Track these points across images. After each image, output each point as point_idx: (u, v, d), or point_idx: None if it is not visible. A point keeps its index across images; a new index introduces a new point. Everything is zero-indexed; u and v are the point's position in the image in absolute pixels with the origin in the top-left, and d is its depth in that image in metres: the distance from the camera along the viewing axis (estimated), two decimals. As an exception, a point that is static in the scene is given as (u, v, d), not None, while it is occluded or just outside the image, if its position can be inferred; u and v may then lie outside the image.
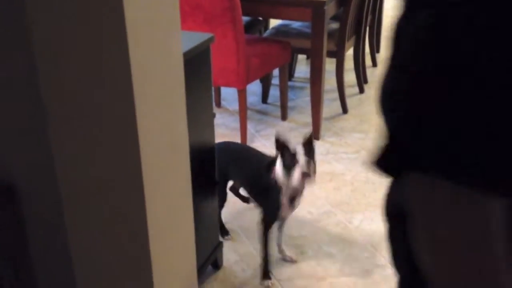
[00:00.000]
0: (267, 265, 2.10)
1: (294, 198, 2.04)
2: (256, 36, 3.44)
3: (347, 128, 3.24)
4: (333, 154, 2.97)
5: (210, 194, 2.03)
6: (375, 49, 4.11)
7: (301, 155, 1.92)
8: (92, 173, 1.23)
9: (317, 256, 2.24)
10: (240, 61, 2.80)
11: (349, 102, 3.48)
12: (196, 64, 1.73)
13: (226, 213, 2.43)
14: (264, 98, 3.60)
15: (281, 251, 2.24)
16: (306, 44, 3.25)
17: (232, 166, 2.18)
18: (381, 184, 2.65)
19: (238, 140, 3.01)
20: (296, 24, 3.51)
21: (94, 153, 1.20)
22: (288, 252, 2.24)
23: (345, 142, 3.09)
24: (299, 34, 3.38)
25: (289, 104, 3.46)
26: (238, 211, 2.51)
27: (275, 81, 3.64)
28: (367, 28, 3.80)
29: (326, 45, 2.97)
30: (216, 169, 2.06)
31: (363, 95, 3.67)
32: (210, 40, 1.79)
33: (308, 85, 3.84)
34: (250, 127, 3.12)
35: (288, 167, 1.93)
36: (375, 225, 2.40)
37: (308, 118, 3.31)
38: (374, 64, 4.11)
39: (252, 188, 2.20)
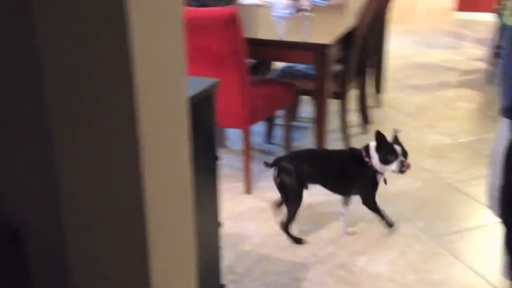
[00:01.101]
0: (384, 216, 2.64)
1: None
2: (261, 78, 3.49)
3: (351, 169, 3.25)
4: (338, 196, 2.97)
5: (212, 238, 2.04)
6: (379, 90, 4.16)
7: (399, 148, 2.48)
8: (97, 218, 1.24)
9: (321, 299, 2.23)
10: (245, 103, 2.84)
11: (352, 142, 3.50)
12: (201, 109, 1.76)
13: (231, 255, 2.43)
14: (268, 138, 3.63)
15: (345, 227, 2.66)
16: (311, 85, 3.29)
17: (313, 169, 2.58)
18: (387, 227, 2.66)
19: (241, 181, 3.02)
20: (300, 66, 3.57)
21: (100, 199, 1.22)
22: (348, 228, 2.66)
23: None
24: (303, 75, 3.43)
25: (294, 144, 3.48)
26: (243, 252, 2.51)
27: (279, 120, 3.68)
28: (370, 70, 3.85)
29: (329, 87, 3.01)
30: (219, 211, 2.07)
31: (366, 136, 3.69)
32: (215, 85, 1.83)
33: (311, 126, 3.88)
34: (254, 167, 3.13)
35: (387, 158, 2.47)
36: (380, 267, 2.38)
37: (312, 158, 3.33)
38: (378, 104, 4.15)
39: (342, 180, 2.60)
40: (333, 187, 2.61)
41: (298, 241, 2.58)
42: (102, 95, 1.14)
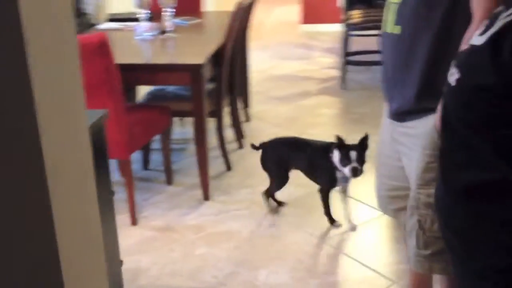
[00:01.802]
0: (331, 216, 2.80)
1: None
2: (134, 104, 3.39)
3: (234, 185, 3.28)
4: (226, 213, 2.98)
5: (115, 278, 1.92)
6: (247, 104, 4.25)
7: (354, 154, 2.55)
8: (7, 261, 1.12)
9: (230, 320, 2.20)
10: (122, 131, 2.73)
11: (231, 158, 3.53)
12: (95, 142, 1.65)
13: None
14: (146, 164, 3.53)
15: (348, 221, 2.80)
16: (184, 106, 3.27)
17: (292, 154, 2.89)
18: (278, 237, 2.72)
19: (125, 213, 2.89)
20: (170, 88, 3.53)
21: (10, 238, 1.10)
22: (350, 223, 2.80)
23: (235, 199, 3.12)
24: (176, 97, 3.39)
25: (174, 167, 3.42)
26: (141, 287, 2.40)
27: (155, 145, 3.59)
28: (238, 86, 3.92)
29: (206, 107, 3.01)
30: (118, 249, 1.96)
31: (242, 150, 3.74)
32: (105, 116, 1.74)
33: (187, 146, 3.85)
34: (136, 196, 3.02)
35: (343, 162, 2.58)
36: (281, 278, 2.42)
37: (194, 179, 3.30)
38: (248, 118, 4.24)
39: (309, 168, 2.84)
40: (305, 174, 2.87)
41: (280, 203, 3.00)
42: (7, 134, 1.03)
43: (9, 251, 1.11)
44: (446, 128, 1.08)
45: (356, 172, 2.58)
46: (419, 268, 1.70)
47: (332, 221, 2.81)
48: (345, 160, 2.58)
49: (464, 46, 1.43)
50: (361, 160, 2.59)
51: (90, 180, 1.35)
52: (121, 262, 1.91)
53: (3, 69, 0.99)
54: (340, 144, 2.62)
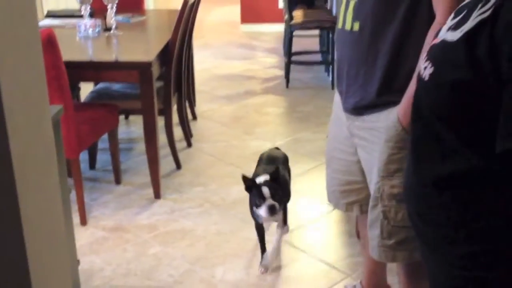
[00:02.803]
0: (264, 251, 2.48)
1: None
2: (81, 102, 3.30)
3: (185, 183, 3.25)
4: (179, 211, 2.95)
5: (73, 278, 1.87)
6: (193, 103, 4.23)
7: (267, 190, 2.26)
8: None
9: (189, 318, 2.19)
10: (70, 129, 2.65)
11: (180, 156, 3.50)
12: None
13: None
14: (92, 164, 3.44)
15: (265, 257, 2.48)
16: (131, 105, 3.22)
17: None
18: (232, 234, 2.72)
19: (73, 213, 2.81)
20: (117, 86, 3.46)
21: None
22: (265, 262, 2.47)
23: (187, 197, 3.10)
24: (122, 95, 3.33)
25: (122, 166, 3.36)
26: (94, 288, 2.34)
27: (101, 145, 3.52)
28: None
29: (157, 104, 2.97)
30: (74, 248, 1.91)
31: (191, 149, 3.72)
32: (59, 112, 1.69)
33: (133, 146, 3.79)
34: (84, 196, 2.94)
35: (257, 203, 2.29)
36: (238, 274, 2.43)
37: (143, 178, 3.25)
38: (194, 117, 4.22)
39: None
40: None
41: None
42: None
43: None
44: (418, 120, 1.12)
45: (274, 210, 2.27)
46: (383, 258, 1.74)
47: (263, 260, 2.48)
48: (259, 199, 2.28)
49: (430, 41, 1.49)
50: (277, 194, 2.29)
51: (54, 173, 1.33)
52: (78, 262, 1.85)
53: None
54: (248, 185, 2.32)
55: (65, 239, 1.42)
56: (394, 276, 2.23)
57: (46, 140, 1.30)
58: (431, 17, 1.50)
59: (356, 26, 1.65)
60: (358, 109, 1.73)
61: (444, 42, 1.04)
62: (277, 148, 2.88)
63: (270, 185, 2.29)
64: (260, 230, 2.48)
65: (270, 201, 2.27)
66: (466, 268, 1.07)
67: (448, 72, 1.00)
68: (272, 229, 2.60)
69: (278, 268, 2.49)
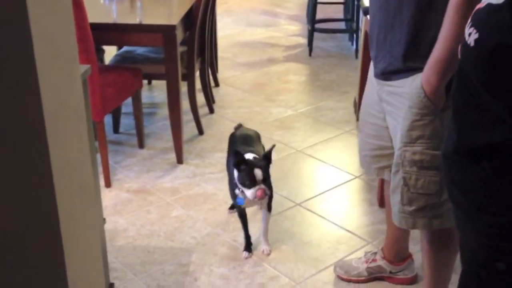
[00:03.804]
0: (248, 239, 2.38)
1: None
2: (106, 65, 3.32)
3: (207, 149, 3.27)
4: (200, 176, 2.98)
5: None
6: (215, 69, 4.22)
7: (259, 173, 2.15)
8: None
9: (210, 279, 2.23)
10: (95, 92, 2.67)
11: (203, 122, 3.51)
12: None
13: (110, 253, 2.29)
14: (116, 127, 3.47)
15: (264, 241, 2.40)
16: (154, 69, 3.22)
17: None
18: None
19: (100, 175, 2.85)
20: (140, 50, 3.46)
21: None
22: (265, 246, 2.39)
23: (208, 162, 3.12)
24: (146, 59, 3.33)
25: (145, 130, 3.38)
26: (119, 247, 2.39)
27: (125, 109, 3.54)
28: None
29: (180, 69, 2.97)
30: (101, 207, 1.94)
31: (214, 115, 3.73)
32: (87, 71, 1.70)
33: (156, 110, 3.81)
34: (109, 159, 2.98)
35: (246, 184, 2.17)
36: (258, 239, 2.46)
37: (166, 143, 3.28)
38: (217, 84, 4.21)
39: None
40: None
41: None
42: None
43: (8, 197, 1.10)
44: (463, 89, 1.09)
45: (263, 196, 2.17)
46: (403, 224, 1.75)
47: (246, 245, 2.38)
48: (250, 181, 2.15)
49: (452, 6, 1.46)
50: (267, 178, 2.21)
51: (83, 131, 1.35)
52: (104, 220, 1.89)
53: (5, 25, 0.98)
54: (239, 161, 2.19)
55: (94, 196, 1.44)
56: (416, 245, 2.24)
57: (76, 98, 1.32)
58: None
59: None
60: (386, 74, 1.72)
61: (489, 6, 1.01)
62: (240, 125, 2.66)
63: (264, 169, 2.18)
64: (243, 217, 2.38)
65: (261, 186, 2.16)
66: (493, 237, 1.07)
67: (494, 37, 0.97)
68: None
69: (298, 233, 2.51)
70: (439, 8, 1.52)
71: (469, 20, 1.07)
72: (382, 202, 2.62)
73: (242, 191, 2.23)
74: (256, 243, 2.42)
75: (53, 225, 1.14)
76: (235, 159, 2.22)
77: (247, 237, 2.39)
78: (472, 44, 1.03)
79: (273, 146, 2.32)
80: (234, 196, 2.33)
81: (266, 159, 2.25)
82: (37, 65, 1.04)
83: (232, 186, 2.32)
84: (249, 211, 2.47)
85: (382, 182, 2.23)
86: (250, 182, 2.16)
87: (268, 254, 2.38)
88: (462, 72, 1.09)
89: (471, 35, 1.03)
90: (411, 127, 1.65)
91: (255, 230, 2.47)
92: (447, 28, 1.47)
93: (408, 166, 1.68)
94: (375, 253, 2.22)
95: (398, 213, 1.74)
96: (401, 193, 1.71)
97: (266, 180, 2.20)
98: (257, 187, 2.16)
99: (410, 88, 1.64)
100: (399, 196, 1.71)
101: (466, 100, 1.08)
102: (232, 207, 2.61)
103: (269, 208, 2.39)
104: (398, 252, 2.16)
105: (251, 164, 2.18)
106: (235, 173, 2.23)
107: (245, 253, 2.37)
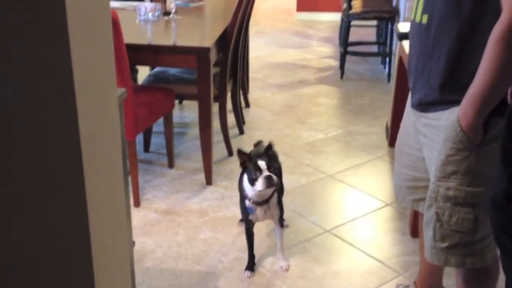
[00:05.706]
0: (251, 258, 2.39)
1: (264, 204, 2.29)
2: (140, 85, 3.34)
3: (237, 170, 3.21)
4: (229, 198, 2.96)
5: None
6: (246, 90, 4.22)
7: (263, 163, 2.19)
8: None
9: (237, 305, 2.19)
10: (128, 112, 2.69)
11: (232, 143, 3.50)
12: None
13: (137, 275, 2.28)
14: (146, 146, 3.49)
15: (278, 257, 2.43)
16: (187, 90, 3.24)
17: None
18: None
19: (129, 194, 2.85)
20: (173, 70, 3.49)
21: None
22: (283, 262, 2.41)
23: (237, 185, 3.09)
24: (179, 80, 3.35)
25: (176, 150, 3.39)
26: (146, 269, 2.37)
27: (156, 128, 3.56)
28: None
29: (212, 90, 2.98)
30: (130, 228, 1.93)
31: (243, 136, 3.72)
32: (123, 94, 1.70)
33: (186, 130, 3.82)
34: (138, 178, 2.98)
35: (253, 178, 2.19)
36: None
37: (195, 163, 3.28)
38: (247, 104, 4.21)
39: None
40: None
41: None
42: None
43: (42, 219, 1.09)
44: None
45: (271, 181, 2.17)
46: (435, 260, 1.70)
47: (249, 264, 2.39)
48: (255, 172, 2.18)
49: (494, 39, 1.42)
50: (272, 166, 2.22)
51: (118, 154, 1.34)
52: (133, 243, 1.88)
53: (46, 47, 0.98)
54: (245, 160, 2.25)
55: (125, 219, 1.43)
56: (450, 279, 2.17)
57: (112, 121, 1.32)
58: (498, 14, 1.43)
59: (425, 19, 1.60)
60: (422, 105, 1.68)
61: None
62: (260, 142, 2.69)
63: (266, 159, 2.22)
64: (250, 235, 2.39)
65: (266, 172, 2.17)
66: None
67: None
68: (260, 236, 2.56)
69: (327, 262, 2.47)
70: (480, 40, 1.49)
71: None
72: (414, 231, 2.56)
73: (253, 201, 2.28)
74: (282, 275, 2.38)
75: (85, 251, 1.13)
76: (240, 160, 2.28)
77: (251, 256, 2.40)
78: None
79: (270, 142, 2.34)
80: (244, 208, 2.35)
81: (267, 153, 2.28)
82: (76, 91, 1.04)
83: (243, 199, 2.34)
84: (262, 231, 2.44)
85: (415, 211, 2.18)
86: (256, 172, 2.19)
87: (287, 270, 2.38)
88: None
89: None
90: (445, 161, 1.60)
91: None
92: (487, 61, 1.43)
93: (441, 201, 1.63)
94: (407, 286, 2.16)
95: (430, 249, 1.69)
96: (434, 229, 1.66)
97: (271, 168, 2.21)
98: (263, 174, 2.18)
99: (447, 121, 1.59)
100: (432, 231, 1.67)
101: None
102: (242, 220, 2.59)
103: (281, 224, 2.41)
104: (431, 286, 2.09)
105: (254, 158, 2.24)
106: (244, 176, 2.28)
107: (247, 273, 2.37)
